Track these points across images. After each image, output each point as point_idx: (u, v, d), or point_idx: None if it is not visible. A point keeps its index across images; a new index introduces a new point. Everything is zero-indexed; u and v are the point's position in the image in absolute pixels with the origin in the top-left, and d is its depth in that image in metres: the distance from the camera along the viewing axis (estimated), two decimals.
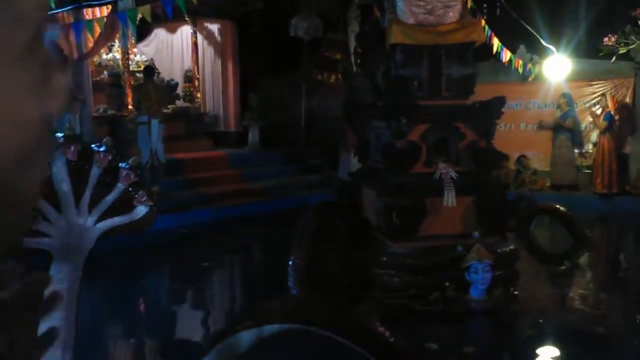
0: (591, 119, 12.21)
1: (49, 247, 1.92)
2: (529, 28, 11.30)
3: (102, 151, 2.00)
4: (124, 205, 2.06)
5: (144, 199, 2.05)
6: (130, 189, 2.04)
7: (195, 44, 14.06)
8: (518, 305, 5.74)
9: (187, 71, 14.28)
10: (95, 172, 1.99)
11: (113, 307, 6.57)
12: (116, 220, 2.03)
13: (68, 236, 1.94)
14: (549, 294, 6.72)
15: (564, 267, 7.86)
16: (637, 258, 8.66)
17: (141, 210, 2.06)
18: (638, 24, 11.79)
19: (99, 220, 2.02)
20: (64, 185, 1.93)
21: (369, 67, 6.73)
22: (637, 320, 5.61)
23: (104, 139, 2.05)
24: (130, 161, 2.08)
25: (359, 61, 7.22)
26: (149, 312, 6.56)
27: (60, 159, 1.93)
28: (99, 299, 6.61)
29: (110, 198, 2.02)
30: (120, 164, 2.04)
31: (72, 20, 9.82)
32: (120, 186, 2.03)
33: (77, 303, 1.98)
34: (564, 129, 11.75)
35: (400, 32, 6.00)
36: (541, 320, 5.56)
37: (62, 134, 1.79)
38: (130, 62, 12.83)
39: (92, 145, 2.02)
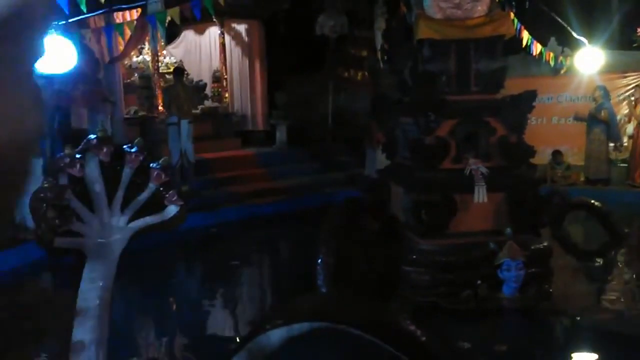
0: (627, 111, 11.97)
1: (82, 247, 1.96)
2: (560, 20, 11.11)
3: (133, 152, 2.02)
4: (155, 204, 2.08)
5: (175, 198, 2.07)
6: (161, 189, 2.07)
7: (222, 45, 14.15)
8: (552, 304, 5.64)
9: (215, 71, 14.39)
10: (127, 172, 2.02)
11: (145, 304, 6.66)
12: (148, 220, 2.06)
13: (101, 236, 1.97)
14: (584, 292, 6.59)
15: (599, 264, 7.70)
16: None
17: (172, 209, 2.09)
18: None
19: (131, 219, 2.05)
20: (97, 186, 1.96)
21: (396, 63, 6.69)
22: None
23: (136, 140, 2.07)
24: (161, 161, 2.11)
25: (385, 57, 7.19)
26: (180, 310, 6.63)
27: (93, 160, 1.96)
28: (131, 296, 6.71)
29: (142, 198, 2.05)
30: (151, 165, 2.06)
31: (103, 24, 9.97)
32: (151, 186, 2.06)
33: (111, 301, 2.01)
34: (598, 121, 11.54)
35: (427, 27, 5.95)
36: (576, 319, 5.47)
37: (95, 136, 1.82)
38: (159, 64, 12.98)
39: (124, 146, 2.05)
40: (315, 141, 13.97)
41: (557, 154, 11.86)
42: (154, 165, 2.06)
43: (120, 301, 6.16)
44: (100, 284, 1.99)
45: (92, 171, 1.95)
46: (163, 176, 2.07)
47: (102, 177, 1.97)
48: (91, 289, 1.98)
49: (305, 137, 13.99)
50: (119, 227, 2.01)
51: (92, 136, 2.00)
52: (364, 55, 14.95)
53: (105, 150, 1.95)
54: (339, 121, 14.12)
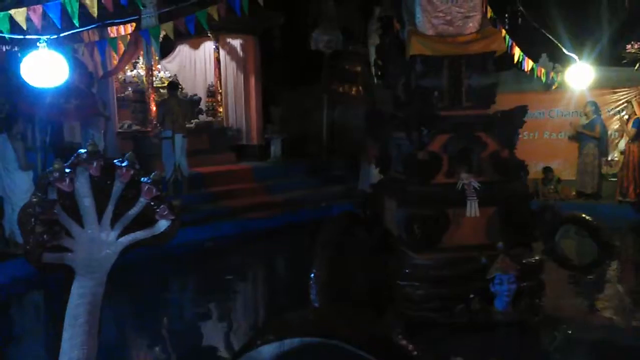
0: (618, 127, 12.07)
1: (71, 262, 1.94)
2: (551, 37, 11.22)
3: (124, 166, 2.01)
4: (146, 219, 2.07)
5: (166, 213, 2.06)
6: (152, 203, 2.06)
7: (217, 59, 14.21)
8: (544, 317, 5.65)
9: (209, 86, 14.43)
10: (117, 186, 2.00)
11: (136, 321, 6.62)
12: (138, 235, 2.05)
13: (90, 251, 1.96)
14: (576, 306, 6.60)
15: (590, 278, 7.72)
16: None
17: (163, 224, 2.08)
18: None
19: (122, 234, 2.03)
20: (87, 200, 1.95)
21: (389, 79, 6.74)
22: None
23: (126, 154, 2.07)
24: (152, 175, 2.10)
25: (379, 73, 7.23)
26: (172, 325, 6.59)
27: (83, 175, 1.95)
28: (122, 313, 6.67)
29: (132, 212, 2.04)
30: (142, 179, 2.06)
31: (96, 38, 9.98)
32: (142, 200, 2.04)
33: (99, 318, 1.99)
34: (590, 137, 11.63)
35: (419, 44, 6.00)
36: (568, 332, 5.47)
37: (85, 150, 1.82)
38: (154, 78, 13.00)
39: (115, 160, 2.04)
40: (310, 155, 14.01)
41: (547, 171, 11.93)
42: (145, 179, 2.06)
43: (111, 317, 6.13)
44: (89, 300, 1.97)
45: (82, 185, 1.94)
46: (154, 190, 2.06)
47: (92, 191, 1.96)
48: (80, 304, 1.96)
49: (300, 152, 14.03)
50: (108, 242, 1.99)
51: (82, 150, 2.00)
52: (358, 71, 15.04)
53: (95, 164, 1.94)
54: (333, 136, 14.17)
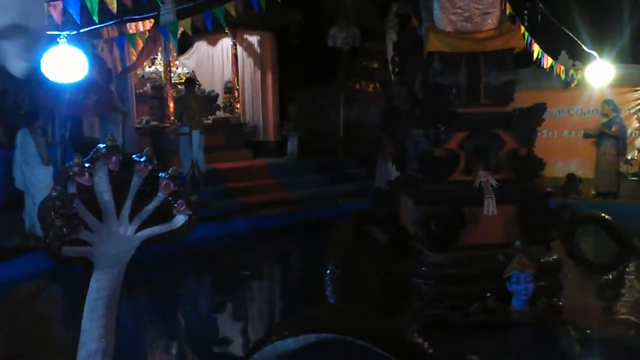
0: (637, 125, 11.93)
1: (90, 256, 1.96)
2: (570, 34, 11.10)
3: (142, 161, 2.03)
4: (163, 214, 2.08)
5: (183, 208, 2.08)
6: (169, 198, 2.07)
7: (235, 56, 14.24)
8: (562, 317, 5.60)
9: (227, 82, 14.47)
10: (136, 181, 2.02)
11: (153, 315, 6.66)
12: (156, 229, 2.06)
13: (109, 245, 1.97)
14: (594, 305, 6.53)
15: (609, 277, 7.65)
16: None
17: (180, 219, 2.09)
18: None
19: (139, 229, 2.05)
20: (106, 195, 1.97)
21: (406, 76, 6.70)
22: None
23: (145, 150, 2.08)
24: (170, 171, 2.11)
25: (396, 70, 7.20)
26: (189, 321, 6.62)
27: (102, 169, 1.97)
28: (139, 307, 6.72)
29: (150, 207, 2.05)
30: (160, 174, 2.07)
31: (115, 34, 10.06)
32: (160, 195, 2.06)
33: (117, 311, 2.01)
34: (609, 135, 11.51)
35: (437, 40, 5.97)
36: (586, 332, 5.41)
37: (104, 145, 1.84)
38: (172, 74, 13.07)
39: (133, 156, 2.06)
40: (327, 152, 13.99)
41: (571, 178, 11.73)
42: (163, 174, 2.07)
43: (128, 311, 6.18)
44: (107, 294, 1.99)
45: (101, 180, 1.96)
46: (172, 185, 2.07)
47: (110, 186, 1.98)
48: (97, 298, 1.98)
49: (316, 149, 14.01)
50: (127, 236, 2.01)
51: (101, 145, 2.01)
52: (375, 67, 15.00)
53: (114, 159, 1.95)
54: (350, 133, 14.15)
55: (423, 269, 5.63)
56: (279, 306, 7.33)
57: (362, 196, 9.66)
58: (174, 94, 12.54)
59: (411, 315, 5.39)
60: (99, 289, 1.98)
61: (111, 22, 8.00)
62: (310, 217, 10.49)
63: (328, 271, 5.23)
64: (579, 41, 11.24)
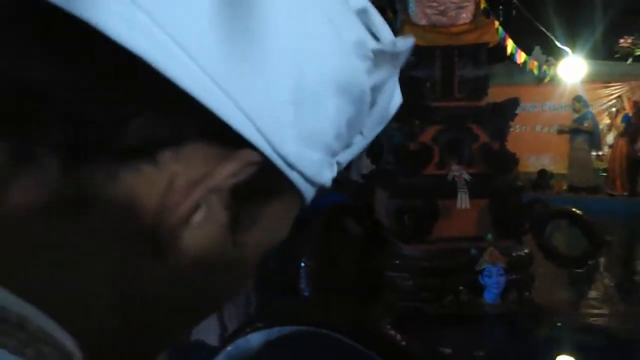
0: (608, 121, 12.14)
1: None
2: (544, 29, 11.24)
3: None
4: None
5: None
6: None
7: None
8: (533, 309, 5.69)
9: None
10: None
11: None
12: None
13: None
14: (565, 298, 6.67)
15: (580, 271, 7.78)
16: None
17: None
18: None
19: None
20: None
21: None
22: None
23: None
24: None
25: None
26: None
27: None
28: None
29: None
30: None
31: None
32: None
33: None
34: (582, 131, 11.69)
35: (412, 33, 5.97)
36: (557, 325, 5.51)
37: None
38: None
39: None
40: None
41: (543, 174, 11.90)
42: None
43: None
44: None
45: None
46: None
47: None
48: None
49: None
50: None
51: None
52: None
53: None
54: None
55: (397, 262, 5.66)
56: (254, 298, 7.31)
57: (338, 189, 9.66)
58: None
59: (385, 307, 5.43)
60: None
61: None
62: None
63: (302, 264, 5.24)
64: (552, 37, 11.39)
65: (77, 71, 0.34)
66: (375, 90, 0.43)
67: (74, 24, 0.32)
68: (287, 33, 0.37)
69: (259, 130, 0.37)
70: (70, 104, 0.33)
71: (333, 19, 0.39)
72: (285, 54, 0.37)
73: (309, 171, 0.41)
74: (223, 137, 0.36)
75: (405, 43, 0.44)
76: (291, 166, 0.39)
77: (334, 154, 0.43)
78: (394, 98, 0.46)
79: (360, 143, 0.46)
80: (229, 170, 0.37)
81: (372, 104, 0.44)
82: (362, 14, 0.42)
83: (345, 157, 0.45)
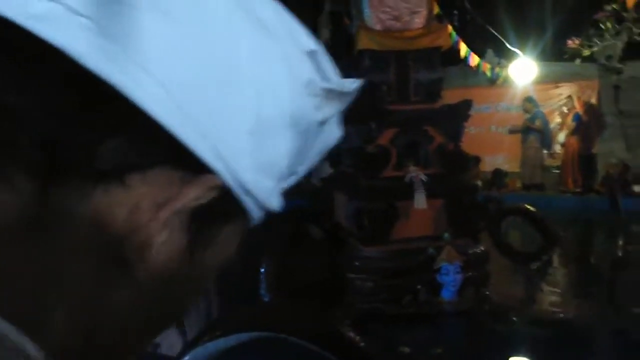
0: (559, 120, 12.45)
1: None
2: (495, 33, 11.50)
3: None
4: None
5: None
6: None
7: None
8: (489, 306, 5.80)
9: None
10: None
11: None
12: None
13: None
14: (521, 294, 6.80)
15: (534, 267, 7.93)
16: (605, 256, 8.78)
17: None
18: (600, 26, 12.08)
19: None
20: None
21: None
22: (610, 318, 5.72)
23: None
24: None
25: None
26: None
27: None
28: None
29: None
30: None
31: None
32: None
33: None
34: (533, 130, 11.96)
35: (367, 38, 6.08)
36: (513, 320, 5.63)
37: None
38: None
39: None
40: None
41: (498, 173, 12.11)
42: None
43: None
44: None
45: None
46: None
47: None
48: None
49: None
50: None
51: None
52: None
53: None
54: None
55: (357, 263, 5.70)
56: (214, 304, 7.27)
57: (299, 193, 9.68)
58: None
59: (345, 309, 5.46)
60: None
61: None
62: None
63: (262, 269, 5.24)
64: (503, 40, 11.65)
65: (51, 95, 0.36)
66: (322, 124, 0.47)
67: (48, 47, 0.35)
68: (249, 67, 0.40)
69: (220, 157, 0.40)
70: (45, 127, 0.36)
71: (288, 58, 0.43)
72: (247, 87, 0.40)
73: (262, 197, 0.44)
74: (187, 162, 0.39)
75: (352, 84, 0.48)
76: (247, 192, 0.43)
77: (283, 181, 0.47)
78: (334, 132, 0.50)
79: (302, 171, 0.49)
80: (192, 194, 0.40)
81: (318, 137, 0.47)
82: (312, 55, 0.45)
83: (290, 183, 0.49)
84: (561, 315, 5.93)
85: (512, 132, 12.41)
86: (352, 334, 1.93)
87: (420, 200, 5.76)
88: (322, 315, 2.30)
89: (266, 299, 5.04)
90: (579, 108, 11.74)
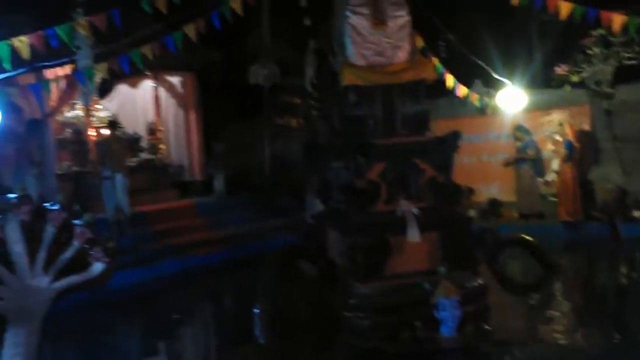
0: (552, 147, 12.47)
1: (3, 310, 1.91)
2: (481, 63, 11.63)
3: (55, 209, 2.00)
4: (80, 263, 2.06)
5: (100, 255, 2.06)
6: (86, 246, 2.05)
7: (157, 97, 14.18)
8: (490, 341, 5.64)
9: (150, 124, 14.31)
10: (49, 231, 1.99)
11: None
12: (72, 279, 2.03)
13: (22, 298, 1.93)
14: (522, 327, 6.58)
15: (535, 298, 7.78)
16: (608, 285, 8.57)
17: (98, 267, 2.07)
18: (588, 52, 12.24)
19: (55, 279, 2.01)
20: (18, 246, 1.93)
21: (325, 110, 6.86)
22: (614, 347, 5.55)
23: (58, 197, 2.06)
24: (84, 218, 2.09)
25: (315, 104, 7.36)
26: None
27: (14, 220, 1.93)
28: None
29: (65, 256, 2.02)
30: (75, 221, 2.05)
31: (33, 81, 9.78)
32: (75, 244, 2.04)
33: None
34: (527, 158, 11.94)
35: (351, 74, 6.15)
36: (515, 355, 5.47)
37: (16, 195, 1.80)
38: (93, 118, 12.80)
39: (46, 204, 2.03)
40: (254, 189, 13.99)
41: (494, 204, 12.00)
42: (78, 222, 2.05)
43: None
44: (25, 349, 1.93)
45: (13, 231, 1.93)
46: (87, 233, 2.05)
47: (23, 237, 1.95)
48: (15, 354, 1.92)
49: (243, 185, 13.99)
50: (41, 288, 1.97)
51: (13, 195, 1.98)
52: (298, 103, 15.20)
53: (24, 209, 1.93)
54: (276, 168, 14.22)
55: (352, 301, 5.63)
56: (211, 347, 7.18)
57: (292, 230, 9.67)
58: (96, 138, 12.27)
59: (343, 348, 5.37)
60: (15, 345, 1.93)
61: (24, 70, 7.81)
62: (240, 254, 10.41)
63: (257, 310, 5.19)
64: (489, 70, 11.77)
65: None
66: None
67: None
68: None
69: None
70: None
71: None
72: None
73: None
74: None
75: None
76: None
77: None
78: None
79: None
80: None
81: None
82: None
83: None
84: (566, 348, 5.72)
85: (506, 165, 12.35)
86: None
87: (413, 234, 5.72)
88: (319, 357, 2.28)
89: (261, 341, 5.01)
90: (570, 135, 11.74)
